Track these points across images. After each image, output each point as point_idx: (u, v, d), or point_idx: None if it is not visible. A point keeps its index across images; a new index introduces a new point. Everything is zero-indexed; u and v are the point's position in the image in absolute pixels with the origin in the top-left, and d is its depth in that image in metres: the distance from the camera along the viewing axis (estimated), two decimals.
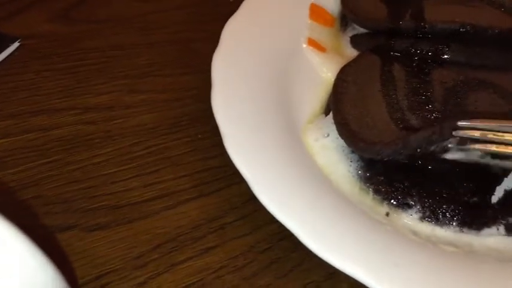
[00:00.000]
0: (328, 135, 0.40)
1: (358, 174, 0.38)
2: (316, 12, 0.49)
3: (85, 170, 0.39)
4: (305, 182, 0.37)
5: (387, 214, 0.37)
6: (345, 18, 0.49)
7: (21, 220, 0.24)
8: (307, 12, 0.49)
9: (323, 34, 0.48)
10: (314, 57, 0.47)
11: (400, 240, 0.35)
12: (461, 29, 0.44)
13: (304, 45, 0.47)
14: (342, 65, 0.44)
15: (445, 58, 0.44)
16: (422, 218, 0.37)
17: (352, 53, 0.47)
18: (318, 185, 0.37)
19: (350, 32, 0.48)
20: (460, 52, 0.44)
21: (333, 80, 0.44)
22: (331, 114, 0.41)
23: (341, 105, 0.40)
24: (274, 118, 0.40)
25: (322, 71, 0.46)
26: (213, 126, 0.42)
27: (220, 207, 0.38)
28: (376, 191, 0.38)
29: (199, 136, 0.43)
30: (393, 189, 0.38)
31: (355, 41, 0.48)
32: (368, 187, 0.38)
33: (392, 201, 0.37)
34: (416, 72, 0.43)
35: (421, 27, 0.44)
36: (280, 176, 0.36)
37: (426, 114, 0.39)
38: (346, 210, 0.36)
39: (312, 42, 0.47)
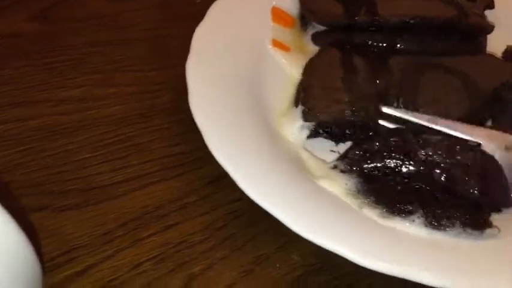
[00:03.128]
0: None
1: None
2: (277, 15, 0.52)
3: (58, 157, 0.42)
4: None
5: None
6: (305, 18, 0.53)
7: None
8: (269, 15, 0.52)
9: (286, 34, 0.52)
10: (279, 57, 0.50)
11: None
12: (411, 21, 0.48)
13: (270, 46, 0.51)
14: (305, 62, 0.48)
15: (398, 48, 0.48)
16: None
17: (314, 49, 0.51)
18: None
19: (310, 31, 0.52)
20: (412, 42, 0.48)
21: (297, 76, 0.48)
22: (300, 105, 0.45)
23: (308, 95, 0.44)
24: (248, 114, 0.44)
25: (287, 69, 0.50)
26: (178, 117, 0.46)
27: (182, 189, 0.42)
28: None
29: (165, 126, 0.46)
30: None
31: (315, 38, 0.51)
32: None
33: None
34: (373, 60, 0.47)
35: (375, 21, 0.48)
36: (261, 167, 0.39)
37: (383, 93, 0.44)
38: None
39: (276, 43, 0.51)
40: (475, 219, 0.37)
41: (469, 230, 0.37)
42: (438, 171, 0.38)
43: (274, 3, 0.53)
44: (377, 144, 0.40)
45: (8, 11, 0.54)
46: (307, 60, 0.48)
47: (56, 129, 0.44)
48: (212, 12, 0.50)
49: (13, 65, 0.49)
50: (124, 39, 0.53)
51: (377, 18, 0.47)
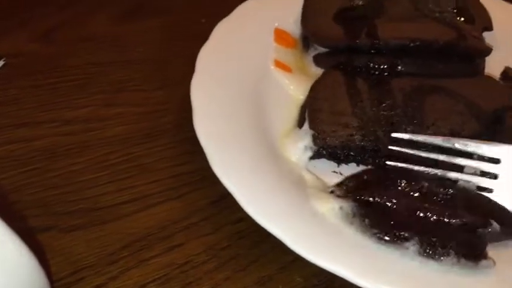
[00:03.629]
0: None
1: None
2: (280, 36, 0.53)
3: (63, 177, 0.43)
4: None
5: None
6: (307, 40, 0.53)
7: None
8: (272, 36, 0.53)
9: (288, 55, 0.53)
10: (282, 78, 0.51)
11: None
12: (411, 44, 0.49)
13: (272, 67, 0.51)
14: (307, 83, 0.49)
15: (399, 70, 0.49)
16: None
17: (316, 71, 0.51)
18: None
19: (312, 52, 0.53)
20: (412, 64, 0.49)
21: (300, 97, 0.49)
22: (304, 126, 0.45)
23: (316, 118, 0.45)
24: (251, 134, 0.44)
25: (290, 90, 0.50)
26: (183, 137, 0.47)
27: (186, 210, 0.42)
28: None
29: (170, 145, 0.47)
30: None
31: (317, 60, 0.52)
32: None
33: None
34: (376, 83, 0.47)
35: (376, 44, 0.49)
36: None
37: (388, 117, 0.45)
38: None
39: (278, 64, 0.52)
40: (470, 250, 0.37)
41: (463, 261, 0.37)
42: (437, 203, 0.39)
43: (276, 24, 0.54)
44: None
45: (12, 31, 0.55)
46: (311, 82, 0.49)
47: (60, 150, 0.45)
48: (216, 33, 0.51)
49: (17, 85, 0.50)
50: (127, 60, 0.54)
51: (377, 41, 0.48)
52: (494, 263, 0.37)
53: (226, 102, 0.46)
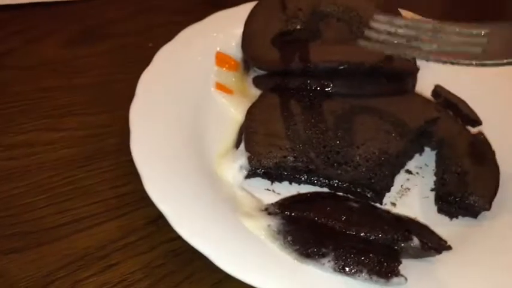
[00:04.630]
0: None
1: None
2: (221, 59, 0.56)
3: (4, 201, 0.44)
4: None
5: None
6: (247, 63, 0.56)
7: None
8: (213, 59, 0.55)
9: (229, 78, 0.55)
10: (222, 100, 0.53)
11: None
12: (339, 67, 0.51)
13: (213, 89, 0.54)
14: (247, 104, 0.51)
15: (331, 92, 0.51)
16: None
17: (255, 92, 0.54)
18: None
19: (252, 74, 0.55)
20: (342, 85, 0.52)
21: (240, 118, 0.51)
22: (240, 146, 0.47)
23: (251, 140, 0.47)
24: (188, 156, 0.46)
25: (229, 111, 0.53)
26: (124, 159, 0.48)
27: (125, 229, 0.43)
28: None
29: (111, 168, 0.48)
30: None
31: (256, 81, 0.54)
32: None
33: None
34: (309, 105, 0.50)
35: (307, 67, 0.51)
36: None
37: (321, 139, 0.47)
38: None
39: (219, 86, 0.54)
40: (381, 267, 0.39)
41: (375, 278, 0.39)
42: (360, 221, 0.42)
43: (218, 48, 0.56)
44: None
45: None
46: (249, 104, 0.51)
47: (2, 174, 0.46)
48: (159, 57, 0.53)
49: None
50: (73, 85, 0.55)
51: (308, 64, 0.50)
52: (406, 280, 0.39)
53: (164, 125, 0.48)
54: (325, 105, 0.49)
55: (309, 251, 0.39)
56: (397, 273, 0.39)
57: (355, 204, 0.44)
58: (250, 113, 0.49)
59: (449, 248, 0.43)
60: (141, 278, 0.40)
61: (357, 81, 0.51)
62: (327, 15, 0.57)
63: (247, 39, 0.55)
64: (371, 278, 0.39)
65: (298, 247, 0.40)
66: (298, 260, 0.40)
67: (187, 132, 0.48)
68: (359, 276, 0.39)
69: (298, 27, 0.56)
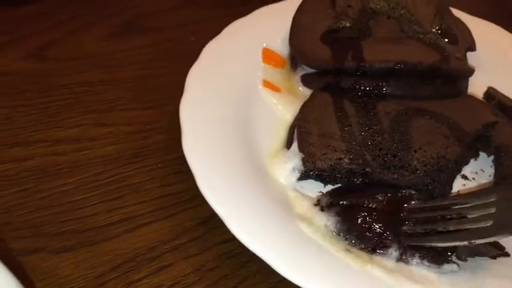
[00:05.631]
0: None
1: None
2: (268, 56, 0.54)
3: (53, 198, 0.43)
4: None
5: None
6: (294, 59, 0.54)
7: None
8: (260, 55, 0.54)
9: (276, 75, 0.54)
10: (270, 98, 0.52)
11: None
12: (395, 67, 0.49)
13: (260, 87, 0.52)
14: (295, 103, 0.50)
15: (385, 92, 0.50)
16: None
17: (303, 91, 0.53)
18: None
19: (300, 72, 0.54)
20: (397, 86, 0.50)
21: (288, 117, 0.50)
22: (292, 147, 0.46)
23: (305, 141, 0.46)
24: (239, 155, 0.45)
25: (278, 110, 0.51)
26: (172, 156, 0.48)
27: (175, 230, 0.43)
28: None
29: (159, 165, 0.47)
30: None
31: (305, 80, 0.53)
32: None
33: None
34: (363, 106, 0.48)
35: (362, 67, 0.50)
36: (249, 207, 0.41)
37: (377, 142, 0.46)
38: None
39: (267, 84, 0.53)
40: (434, 253, 0.40)
41: (426, 263, 0.40)
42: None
43: (265, 44, 0.55)
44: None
45: (3, 49, 0.55)
46: (298, 102, 0.50)
47: (51, 170, 0.45)
48: (206, 53, 0.52)
49: (8, 104, 0.50)
50: (116, 79, 0.54)
51: (363, 64, 0.49)
52: (458, 266, 0.40)
53: (214, 123, 0.47)
54: (380, 106, 0.48)
55: (375, 246, 0.40)
56: (448, 261, 0.39)
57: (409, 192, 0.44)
58: (303, 113, 0.48)
59: (506, 254, 0.42)
60: (195, 281, 0.40)
61: (412, 82, 0.49)
62: (376, 13, 0.55)
63: (296, 35, 0.54)
64: (422, 262, 0.39)
65: (363, 245, 0.40)
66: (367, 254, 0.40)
67: (237, 130, 0.47)
68: (412, 260, 0.39)
69: (348, 24, 0.54)
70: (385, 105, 0.48)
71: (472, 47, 0.55)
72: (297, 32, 0.54)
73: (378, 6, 0.56)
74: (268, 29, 0.56)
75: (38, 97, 0.51)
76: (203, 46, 0.53)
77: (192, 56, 0.52)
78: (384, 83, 0.49)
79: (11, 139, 0.47)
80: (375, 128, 0.46)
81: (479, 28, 0.59)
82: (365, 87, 0.49)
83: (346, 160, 0.44)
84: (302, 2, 0.56)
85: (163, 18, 0.63)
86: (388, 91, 0.49)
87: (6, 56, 0.55)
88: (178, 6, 0.64)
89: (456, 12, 0.60)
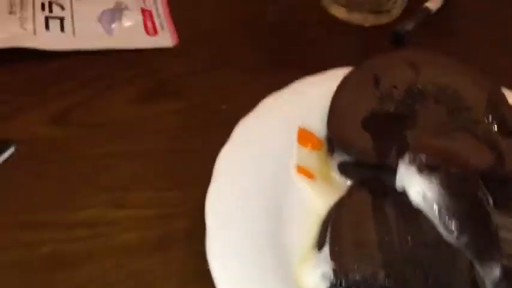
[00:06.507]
0: None
1: None
2: (304, 137, 0.50)
3: None
4: None
5: None
6: (332, 142, 0.50)
7: None
8: (295, 136, 0.50)
9: (311, 159, 0.50)
10: (304, 185, 0.48)
11: None
12: None
13: (294, 173, 0.48)
14: (330, 194, 0.46)
15: None
16: None
17: (340, 180, 0.49)
18: None
19: (338, 157, 0.49)
20: None
21: (322, 211, 0.46)
22: (324, 250, 0.42)
23: (338, 248, 0.41)
24: (267, 255, 0.42)
25: (312, 201, 0.47)
26: (194, 248, 0.44)
27: None
28: None
29: (180, 259, 0.44)
30: None
31: (342, 168, 0.49)
32: None
33: None
34: (407, 212, 0.43)
35: None
36: None
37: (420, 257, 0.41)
38: None
39: (301, 170, 0.49)
40: None
41: None
42: None
43: (300, 123, 0.51)
44: None
45: (26, 111, 0.53)
46: (334, 193, 0.46)
47: (63, 260, 0.42)
48: (237, 133, 0.48)
49: (25, 176, 0.47)
50: (142, 151, 0.51)
51: None
52: None
53: (242, 216, 0.43)
54: (424, 216, 0.43)
55: None
56: None
57: None
58: (337, 213, 0.44)
59: None
60: None
61: None
62: (424, 95, 0.51)
63: (334, 117, 0.50)
64: None
65: None
66: None
67: (267, 225, 0.43)
68: None
69: (392, 108, 0.50)
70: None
71: None
72: (336, 113, 0.50)
73: (426, 88, 0.52)
74: (305, 105, 0.52)
75: (58, 169, 0.48)
76: (234, 115, 0.50)
77: (222, 128, 0.49)
78: None
79: (25, 219, 0.44)
80: (418, 239, 0.42)
81: None
82: None
83: (382, 275, 0.40)
84: (344, 79, 0.52)
85: (193, 81, 0.59)
86: None
87: (29, 120, 0.52)
88: (208, 69, 0.60)
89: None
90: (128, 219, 0.46)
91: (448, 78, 0.52)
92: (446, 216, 0.39)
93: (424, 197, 0.40)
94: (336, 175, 0.49)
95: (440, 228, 0.39)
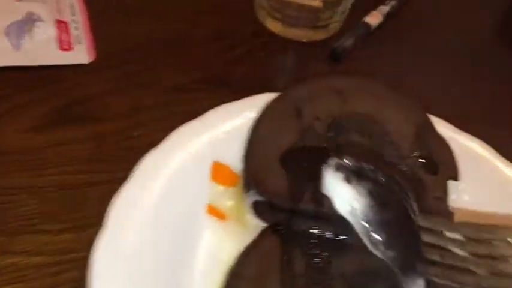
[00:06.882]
0: None
1: None
2: (218, 173, 0.46)
3: None
4: None
5: None
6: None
7: None
8: (208, 171, 0.46)
9: (224, 197, 0.45)
10: (214, 228, 0.44)
11: None
12: None
13: (203, 213, 0.44)
14: (242, 236, 0.42)
15: (346, 244, 0.41)
16: None
17: (253, 222, 0.44)
18: None
19: (253, 195, 0.45)
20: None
21: (231, 258, 0.41)
22: None
23: None
24: None
25: (221, 247, 0.43)
26: None
27: None
28: None
29: None
30: None
31: (257, 209, 0.44)
32: None
33: None
34: (316, 262, 0.40)
35: (319, 212, 0.41)
36: None
37: None
38: None
39: (212, 210, 0.44)
40: None
41: None
42: None
43: (214, 157, 0.47)
44: None
45: None
46: (244, 236, 0.42)
47: None
48: (141, 168, 0.44)
49: None
50: (39, 186, 0.46)
51: (321, 208, 0.41)
52: None
53: (134, 277, 0.38)
54: (337, 264, 0.40)
55: None
56: None
57: None
58: (239, 264, 0.40)
59: None
60: None
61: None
62: (347, 129, 0.47)
63: (251, 152, 0.46)
64: None
65: None
66: None
67: (166, 283, 0.39)
68: None
69: (314, 142, 0.46)
70: (344, 264, 0.40)
71: (454, 177, 0.47)
72: (253, 146, 0.46)
73: (351, 120, 0.48)
74: (221, 137, 0.48)
75: None
76: (146, 144, 0.46)
77: (131, 159, 0.45)
78: (346, 233, 0.41)
79: None
80: None
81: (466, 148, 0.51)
82: (322, 235, 0.41)
83: None
84: (264, 108, 0.48)
85: (105, 103, 0.54)
86: (350, 243, 0.41)
87: None
88: (123, 88, 0.55)
89: (444, 125, 0.52)
90: (12, 269, 0.41)
91: (376, 109, 0.49)
92: (373, 230, 0.36)
93: (352, 211, 0.36)
94: (249, 215, 0.45)
95: (367, 243, 0.37)
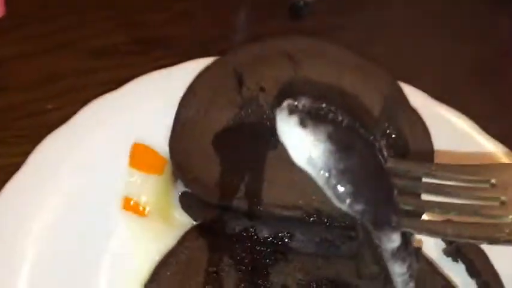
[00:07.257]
0: None
1: None
2: (139, 157, 0.37)
3: None
4: None
5: None
6: None
7: None
8: (126, 156, 0.37)
9: (147, 187, 0.37)
10: (131, 227, 0.35)
11: None
12: (304, 216, 0.33)
13: (118, 210, 0.36)
14: (167, 238, 0.34)
15: (288, 248, 0.34)
16: None
17: (180, 216, 0.36)
18: None
19: (181, 186, 0.37)
20: (305, 241, 0.34)
21: (142, 268, 0.33)
22: None
23: None
24: None
25: (135, 249, 0.35)
26: None
27: None
28: None
29: None
30: None
31: (184, 202, 0.36)
32: None
33: None
34: (251, 271, 0.32)
35: (255, 210, 0.33)
36: None
37: None
38: None
39: (128, 204, 0.36)
40: None
41: None
42: None
43: (136, 137, 0.38)
44: None
45: None
46: (169, 237, 0.34)
47: None
48: (40, 150, 0.35)
49: None
50: None
51: (257, 206, 0.33)
52: None
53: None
54: (276, 274, 0.32)
55: None
56: None
57: None
58: (158, 274, 0.32)
59: None
60: None
61: (329, 237, 0.33)
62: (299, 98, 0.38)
63: (178, 133, 0.37)
64: None
65: None
66: None
67: None
68: None
69: (256, 119, 0.38)
70: (285, 272, 0.32)
71: (427, 159, 0.39)
72: (181, 127, 0.37)
73: (304, 91, 0.39)
74: (146, 112, 0.39)
75: None
76: (61, 119, 0.38)
77: (40, 137, 0.36)
78: (287, 235, 0.33)
79: None
80: None
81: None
82: (259, 238, 0.33)
83: None
84: (196, 77, 0.39)
85: (17, 69, 0.45)
86: (292, 247, 0.33)
87: None
88: (38, 53, 0.46)
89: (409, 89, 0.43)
90: None
91: (335, 77, 0.40)
92: (337, 181, 0.28)
93: (310, 159, 0.29)
94: (175, 212, 0.37)
95: (331, 197, 0.30)
